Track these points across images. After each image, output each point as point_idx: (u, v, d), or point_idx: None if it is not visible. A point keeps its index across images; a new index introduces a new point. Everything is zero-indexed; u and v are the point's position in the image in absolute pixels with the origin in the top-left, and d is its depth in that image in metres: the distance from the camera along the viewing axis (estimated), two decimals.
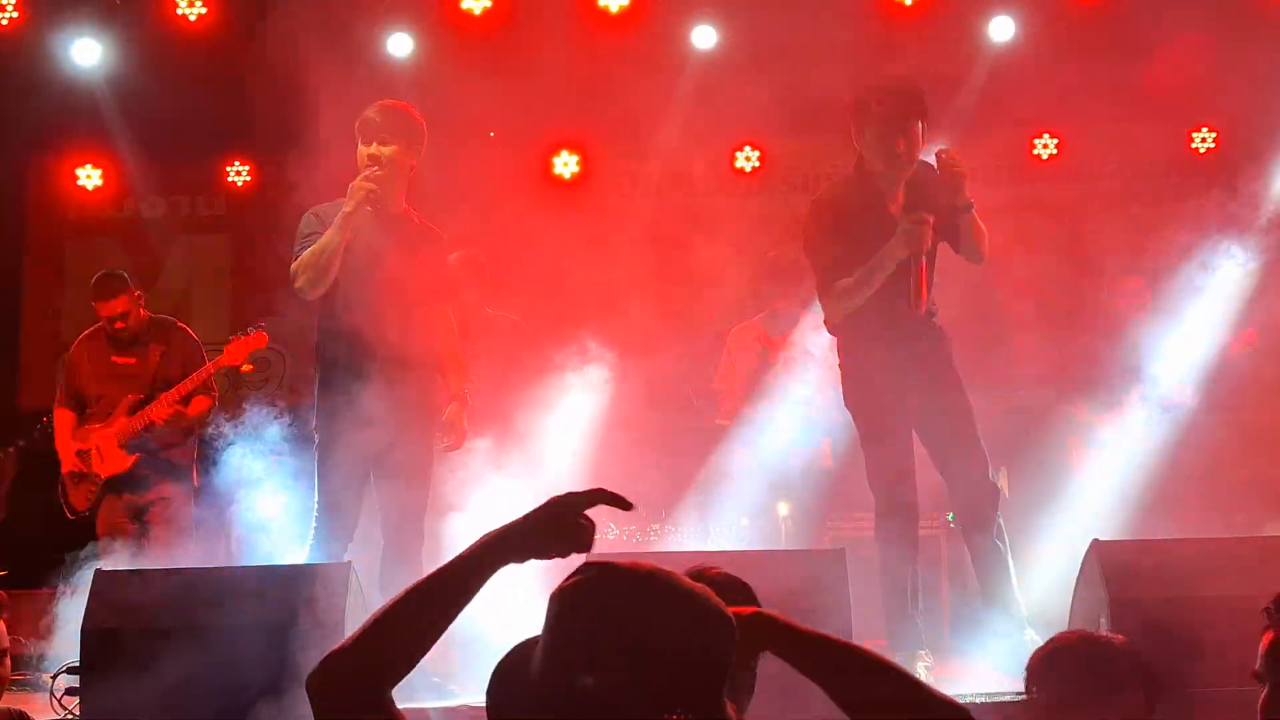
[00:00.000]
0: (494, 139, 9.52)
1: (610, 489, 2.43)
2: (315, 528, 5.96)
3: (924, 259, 5.95)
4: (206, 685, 5.15)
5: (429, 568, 2.49)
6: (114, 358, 7.72)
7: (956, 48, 9.27)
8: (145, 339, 7.76)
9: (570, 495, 2.38)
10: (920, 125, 6.00)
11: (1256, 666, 2.84)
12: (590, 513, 2.44)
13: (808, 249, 6.08)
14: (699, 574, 3.20)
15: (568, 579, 2.19)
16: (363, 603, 5.56)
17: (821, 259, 5.97)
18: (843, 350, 6.15)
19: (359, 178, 5.96)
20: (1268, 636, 2.81)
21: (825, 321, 6.13)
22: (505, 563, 2.39)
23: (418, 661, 2.33)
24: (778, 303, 8.49)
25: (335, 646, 2.33)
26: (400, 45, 9.38)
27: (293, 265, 5.97)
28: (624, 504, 2.39)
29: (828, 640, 2.34)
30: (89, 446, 7.66)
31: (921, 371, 6.01)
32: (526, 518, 2.36)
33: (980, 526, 6.03)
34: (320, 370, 6.00)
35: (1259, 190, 8.34)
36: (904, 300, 5.90)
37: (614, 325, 8.86)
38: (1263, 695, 2.84)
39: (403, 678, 2.31)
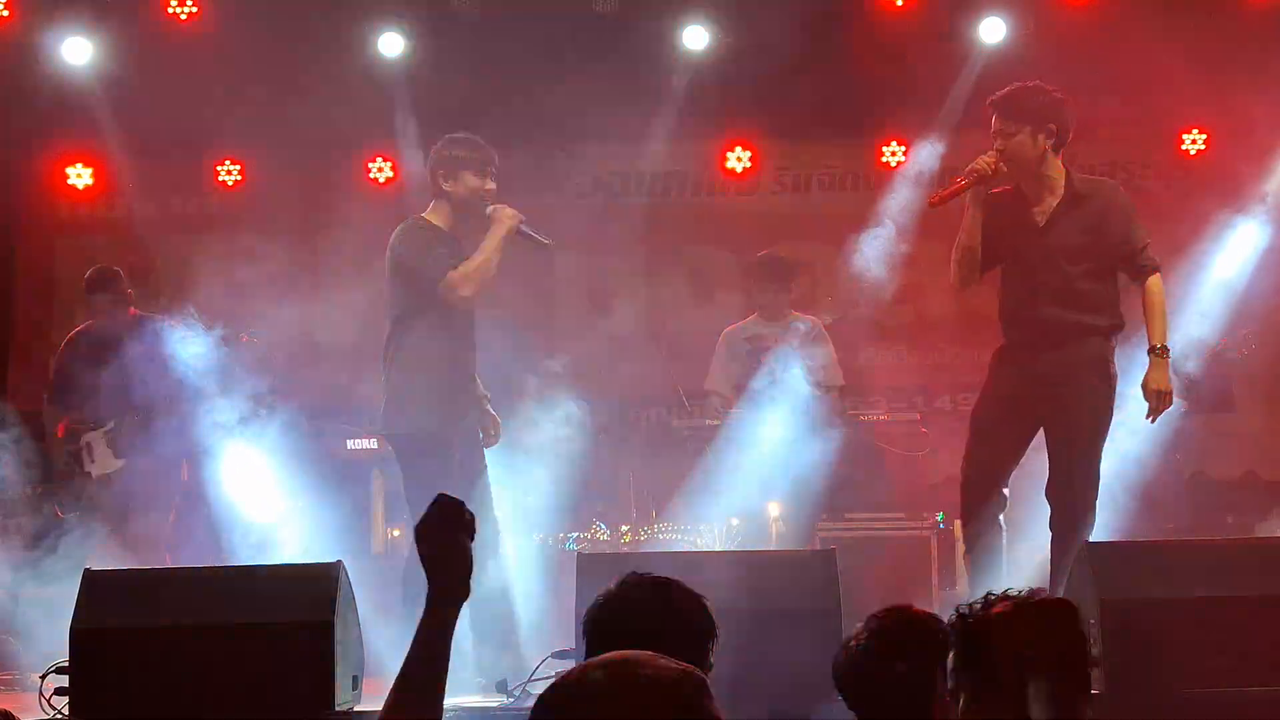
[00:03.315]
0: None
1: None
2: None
3: (971, 181, 6.06)
4: (196, 685, 5.14)
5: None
6: (105, 356, 7.69)
7: (948, 49, 9.27)
8: (133, 338, 7.71)
9: (426, 522, 2.51)
10: (998, 120, 6.11)
11: None
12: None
13: None
14: (625, 581, 3.25)
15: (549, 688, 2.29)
16: (353, 602, 5.56)
17: None
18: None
19: (510, 213, 6.28)
20: None
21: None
22: (459, 608, 2.53)
23: None
24: (768, 302, 8.50)
25: None
26: (391, 45, 9.37)
27: (449, 275, 6.22)
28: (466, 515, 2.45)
29: None
30: (79, 447, 7.65)
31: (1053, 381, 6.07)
32: (429, 567, 2.50)
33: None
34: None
35: (1249, 192, 8.37)
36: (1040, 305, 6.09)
37: (605, 325, 8.87)
38: None
39: None
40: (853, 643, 3.24)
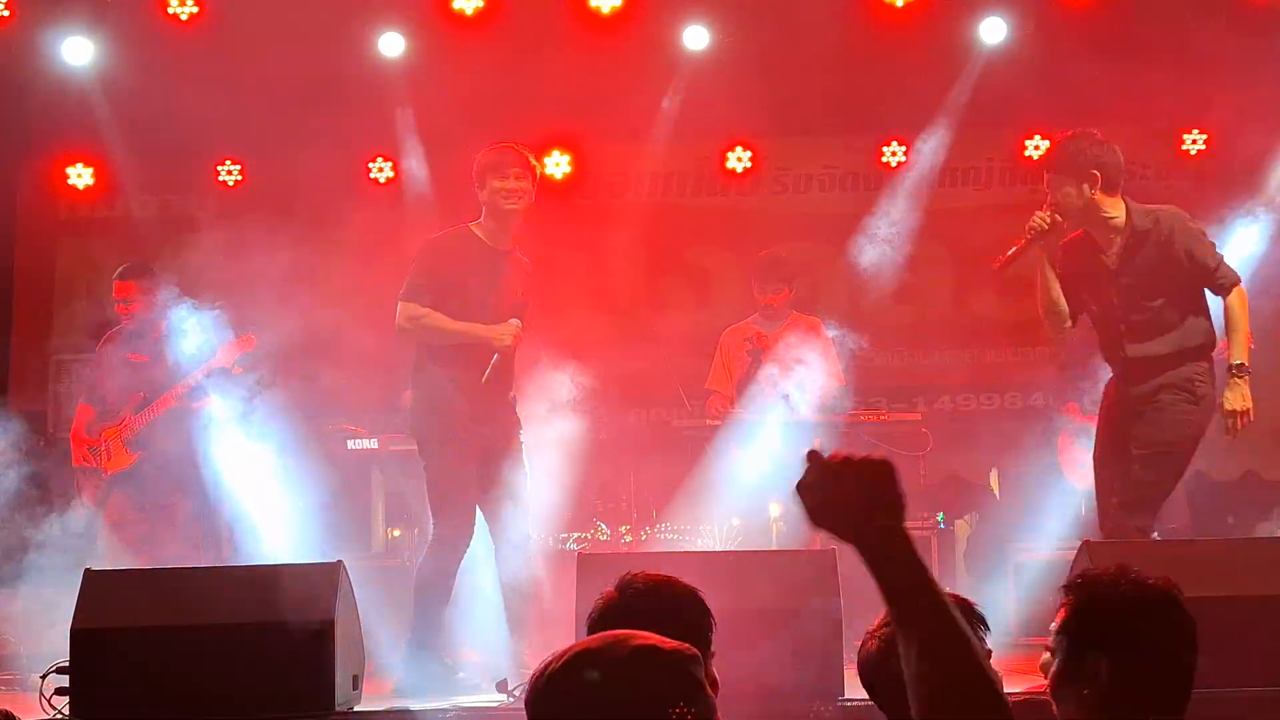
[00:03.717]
0: (481, 139, 9.49)
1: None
2: None
3: (1031, 239, 6.19)
4: (196, 685, 5.14)
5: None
6: (128, 355, 7.78)
7: (948, 49, 9.27)
8: (157, 336, 7.78)
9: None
10: (1046, 176, 6.27)
11: None
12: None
13: None
14: (627, 584, 3.24)
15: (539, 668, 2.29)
16: (354, 602, 5.56)
17: None
18: None
19: (504, 337, 6.53)
20: None
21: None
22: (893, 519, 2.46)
23: None
24: (769, 302, 8.50)
25: None
26: (392, 45, 9.37)
27: (406, 305, 6.53)
28: None
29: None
30: (99, 443, 7.73)
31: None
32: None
33: None
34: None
35: (1249, 192, 8.36)
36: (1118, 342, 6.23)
37: (606, 325, 8.87)
38: None
39: None
40: (872, 639, 3.17)
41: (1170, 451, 6.09)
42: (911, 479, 8.38)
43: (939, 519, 8.27)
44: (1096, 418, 6.33)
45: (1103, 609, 2.76)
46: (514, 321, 6.54)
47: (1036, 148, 10.08)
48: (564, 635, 5.93)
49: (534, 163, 6.73)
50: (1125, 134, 10.15)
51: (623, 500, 8.35)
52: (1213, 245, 6.13)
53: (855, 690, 5.55)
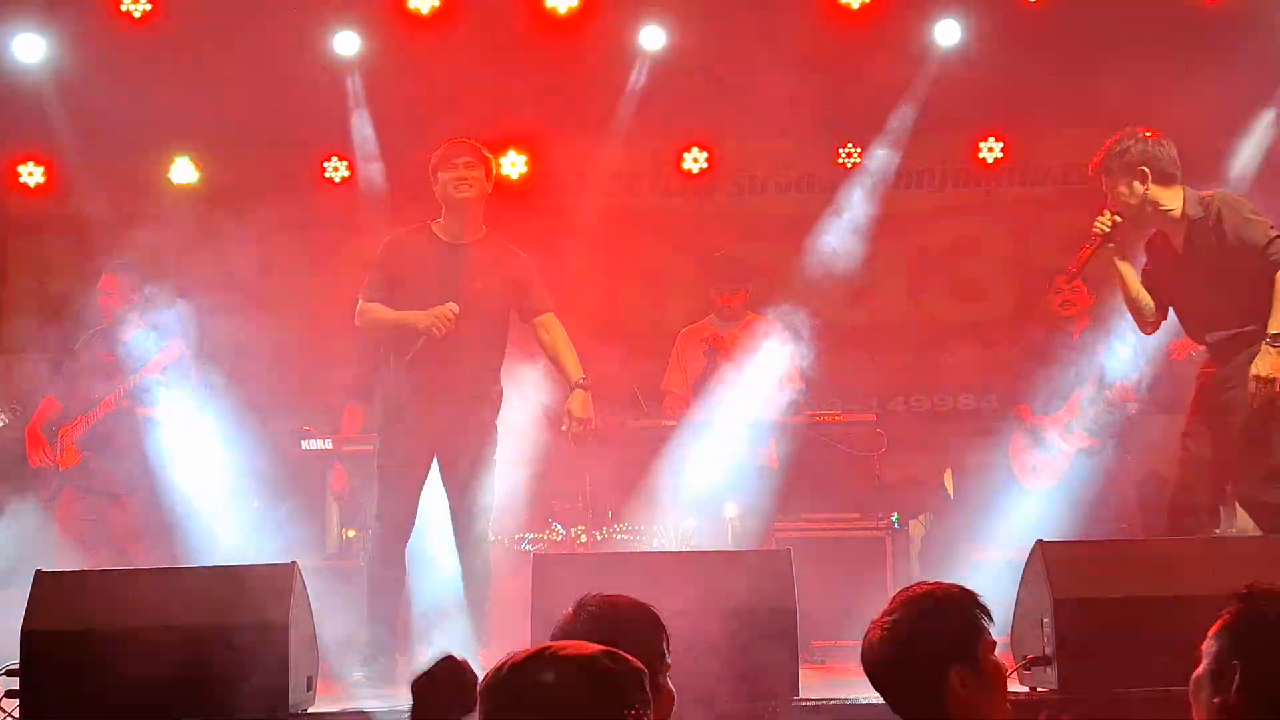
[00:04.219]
0: (436, 138, 9.45)
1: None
2: None
3: (1097, 243, 6.31)
4: (149, 687, 5.10)
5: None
6: (99, 353, 7.82)
7: (904, 51, 9.30)
8: (126, 336, 7.81)
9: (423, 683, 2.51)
10: (1101, 180, 6.35)
11: None
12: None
13: None
14: (582, 605, 3.26)
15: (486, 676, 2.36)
16: (308, 603, 5.53)
17: None
18: None
19: (427, 321, 6.55)
20: None
21: None
22: None
23: None
24: (725, 303, 8.52)
25: None
26: (347, 44, 9.32)
27: (361, 302, 6.72)
28: None
29: None
30: (56, 439, 7.74)
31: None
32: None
33: None
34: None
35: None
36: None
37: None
38: None
39: None
40: (876, 628, 3.15)
41: (1266, 421, 6.09)
42: (867, 479, 8.42)
43: (893, 519, 8.29)
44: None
45: (1249, 620, 2.76)
46: (448, 305, 6.52)
47: (990, 150, 10.15)
48: (520, 635, 5.92)
49: (487, 155, 6.77)
50: (1079, 136, 10.29)
51: (578, 500, 8.34)
52: (1264, 223, 6.15)
53: (810, 690, 5.58)
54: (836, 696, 5.50)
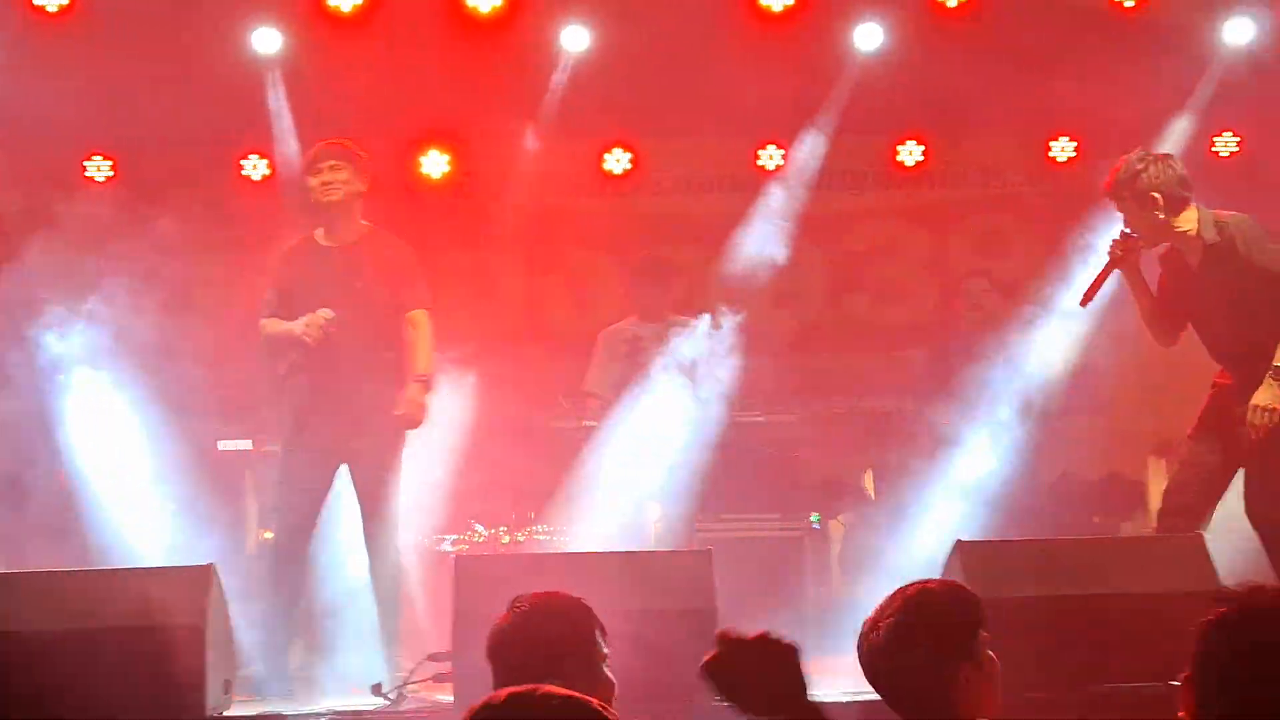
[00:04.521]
0: (356, 138, 9.38)
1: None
2: None
3: (1112, 267, 6.32)
4: (64, 691, 5.03)
5: None
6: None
7: (826, 53, 9.34)
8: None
9: None
10: (1115, 204, 6.34)
11: None
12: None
13: None
14: (515, 606, 3.28)
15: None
16: (226, 605, 5.48)
17: None
18: None
19: (302, 327, 6.56)
20: None
21: None
22: None
23: None
24: (647, 304, 8.53)
25: None
26: (266, 41, 9.22)
27: (260, 320, 6.78)
28: None
29: None
30: None
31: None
32: None
33: None
34: None
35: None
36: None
37: (483, 327, 8.82)
38: None
39: None
40: (877, 630, 3.13)
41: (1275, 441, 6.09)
42: (788, 480, 8.46)
43: (813, 520, 8.35)
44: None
45: (1236, 624, 2.63)
46: (320, 311, 6.47)
47: (910, 153, 10.23)
48: (440, 639, 5.91)
49: (356, 153, 6.71)
50: (996, 142, 10.43)
51: (500, 501, 8.32)
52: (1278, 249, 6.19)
53: None
54: None
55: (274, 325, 6.64)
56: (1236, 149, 9.80)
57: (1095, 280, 6.39)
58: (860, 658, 3.16)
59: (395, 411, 6.60)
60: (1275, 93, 8.36)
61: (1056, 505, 8.74)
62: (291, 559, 6.59)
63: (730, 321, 8.17)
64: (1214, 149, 9.73)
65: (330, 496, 6.76)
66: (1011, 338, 8.48)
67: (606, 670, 3.24)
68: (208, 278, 9.74)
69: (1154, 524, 8.35)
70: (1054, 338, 8.54)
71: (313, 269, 6.64)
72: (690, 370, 8.00)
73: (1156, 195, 6.17)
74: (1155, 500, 8.97)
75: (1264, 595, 2.67)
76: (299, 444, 6.60)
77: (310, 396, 6.57)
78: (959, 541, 5.65)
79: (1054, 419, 8.42)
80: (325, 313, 6.48)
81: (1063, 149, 10.12)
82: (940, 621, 3.11)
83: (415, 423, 6.65)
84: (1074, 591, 5.21)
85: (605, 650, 3.26)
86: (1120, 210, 6.30)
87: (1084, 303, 6.53)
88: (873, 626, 3.14)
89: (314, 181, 6.63)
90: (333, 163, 6.63)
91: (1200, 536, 5.85)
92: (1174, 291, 6.38)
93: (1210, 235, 6.18)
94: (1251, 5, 8.88)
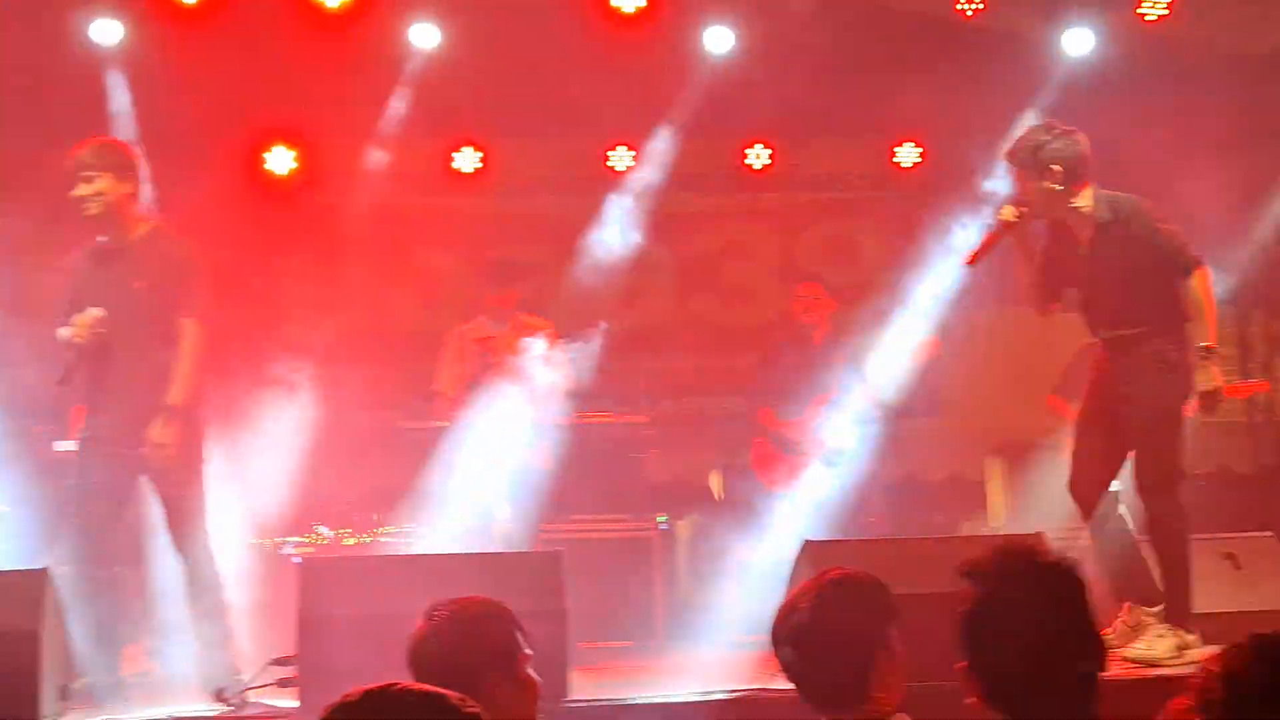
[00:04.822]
0: (200, 133, 9.18)
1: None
2: None
3: (1000, 233, 6.34)
4: None
5: None
6: None
7: (675, 56, 9.39)
8: None
9: None
10: (1013, 170, 6.36)
11: None
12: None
13: None
14: (431, 613, 3.25)
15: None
16: (63, 610, 5.35)
17: None
18: None
19: (70, 330, 6.23)
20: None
21: None
22: None
23: None
24: (497, 304, 8.50)
25: None
26: (106, 32, 8.99)
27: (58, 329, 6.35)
28: None
29: None
30: None
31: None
32: None
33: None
34: None
35: (964, 202, 8.70)
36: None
37: (329, 327, 8.72)
38: None
39: None
40: (794, 614, 3.14)
41: (1161, 430, 6.19)
42: (635, 481, 8.49)
43: (661, 520, 8.38)
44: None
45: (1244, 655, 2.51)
46: (89, 311, 6.22)
47: (758, 156, 10.34)
48: (283, 643, 5.82)
49: (111, 154, 6.38)
50: (843, 145, 10.59)
51: (344, 503, 8.23)
52: (1172, 230, 6.23)
53: (580, 691, 5.60)
54: (606, 697, 5.53)
55: (63, 333, 6.35)
56: None
57: (983, 243, 6.43)
58: (776, 638, 3.17)
59: (139, 449, 6.13)
60: (1115, 101, 8.58)
61: (902, 505, 8.90)
62: (101, 563, 6.27)
63: (578, 322, 8.18)
64: None
65: (138, 503, 6.49)
66: (850, 342, 8.62)
67: (531, 671, 3.22)
68: (42, 275, 9.48)
69: (993, 523, 8.58)
70: (896, 342, 8.69)
71: (96, 273, 6.31)
72: (541, 370, 7.98)
73: (1057, 168, 6.23)
74: (994, 499, 9.21)
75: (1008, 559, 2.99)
76: (88, 448, 6.30)
77: (90, 396, 6.31)
78: (807, 541, 5.72)
79: (897, 422, 8.57)
80: (95, 312, 6.15)
81: (908, 155, 10.31)
82: (863, 605, 3.17)
83: (158, 463, 6.12)
84: (915, 590, 5.28)
85: (528, 650, 3.25)
86: (1017, 178, 6.34)
87: (970, 262, 6.56)
88: (792, 608, 3.16)
89: (74, 196, 6.31)
90: (86, 174, 6.22)
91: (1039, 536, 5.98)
92: (1060, 263, 6.43)
93: (1104, 214, 6.28)
94: (1088, 15, 9.12)
